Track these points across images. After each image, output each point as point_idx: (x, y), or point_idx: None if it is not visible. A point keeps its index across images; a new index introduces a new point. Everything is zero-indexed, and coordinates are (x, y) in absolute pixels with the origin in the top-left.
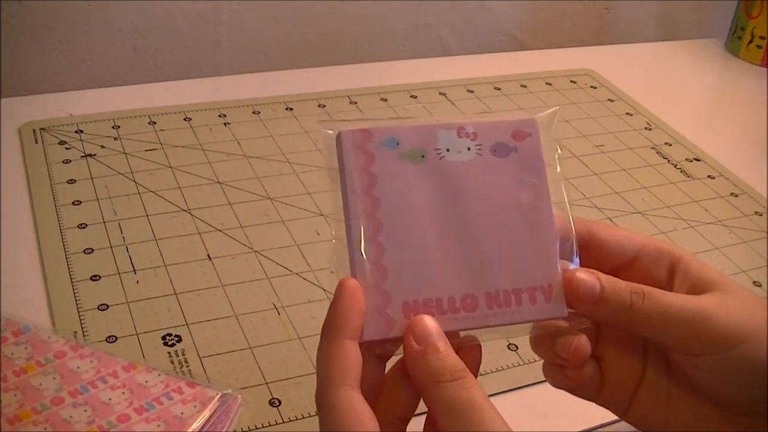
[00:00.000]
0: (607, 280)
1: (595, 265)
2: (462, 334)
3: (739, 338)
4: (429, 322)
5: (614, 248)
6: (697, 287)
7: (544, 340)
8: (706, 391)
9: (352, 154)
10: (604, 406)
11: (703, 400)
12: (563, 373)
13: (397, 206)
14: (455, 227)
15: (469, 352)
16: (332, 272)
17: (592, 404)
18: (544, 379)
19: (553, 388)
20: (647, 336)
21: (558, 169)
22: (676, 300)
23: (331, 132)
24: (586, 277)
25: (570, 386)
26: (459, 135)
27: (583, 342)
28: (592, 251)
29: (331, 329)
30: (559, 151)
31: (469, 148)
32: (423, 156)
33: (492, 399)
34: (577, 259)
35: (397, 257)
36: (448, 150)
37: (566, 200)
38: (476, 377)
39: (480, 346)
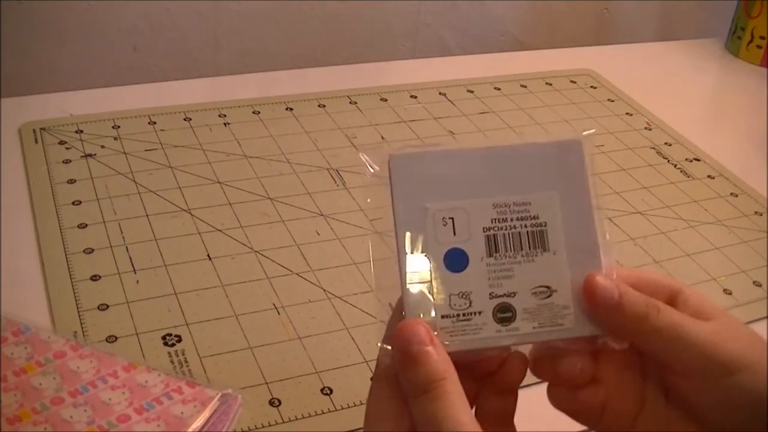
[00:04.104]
0: (625, 288)
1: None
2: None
3: (741, 365)
4: (408, 331)
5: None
6: (697, 317)
7: (545, 362)
8: (704, 418)
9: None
10: None
11: (701, 428)
12: (572, 396)
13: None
14: None
15: (515, 362)
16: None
17: None
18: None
19: None
20: (655, 352)
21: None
22: (689, 320)
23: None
24: (606, 282)
25: (575, 409)
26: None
27: (587, 362)
28: None
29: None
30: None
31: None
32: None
33: None
34: None
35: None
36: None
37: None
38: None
39: (524, 356)
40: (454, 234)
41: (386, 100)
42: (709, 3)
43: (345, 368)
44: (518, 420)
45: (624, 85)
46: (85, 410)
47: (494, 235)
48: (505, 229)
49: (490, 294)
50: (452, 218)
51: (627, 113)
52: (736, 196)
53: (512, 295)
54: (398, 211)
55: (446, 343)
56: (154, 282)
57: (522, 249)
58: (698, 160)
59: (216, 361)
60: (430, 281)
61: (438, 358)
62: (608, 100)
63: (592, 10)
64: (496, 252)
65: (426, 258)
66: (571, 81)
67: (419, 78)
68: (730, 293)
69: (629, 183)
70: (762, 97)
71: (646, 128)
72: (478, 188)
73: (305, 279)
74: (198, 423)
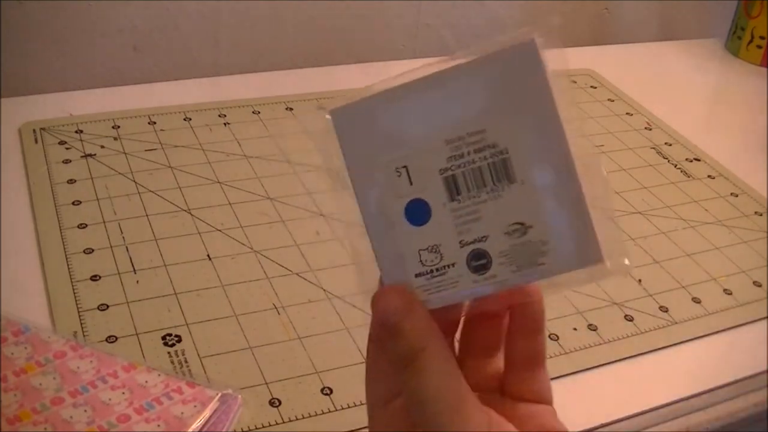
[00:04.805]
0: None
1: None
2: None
3: None
4: (383, 302)
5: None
6: None
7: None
8: None
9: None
10: None
11: None
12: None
13: None
14: None
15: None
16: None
17: (592, 404)
18: None
19: (554, 389)
20: None
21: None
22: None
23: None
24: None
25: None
26: None
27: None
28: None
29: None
30: None
31: None
32: None
33: None
34: None
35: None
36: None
37: None
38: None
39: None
40: (411, 184)
41: None
42: (709, 3)
43: (345, 368)
44: None
45: (624, 85)
46: (85, 410)
47: (453, 175)
48: (464, 166)
49: (460, 242)
50: (405, 167)
51: (627, 113)
52: (736, 196)
53: (483, 239)
54: (352, 170)
55: (424, 301)
56: (154, 282)
57: (486, 185)
58: (698, 160)
59: (216, 361)
60: (398, 240)
61: (415, 328)
62: (608, 100)
63: (592, 10)
64: (458, 194)
65: (388, 216)
66: (571, 81)
67: None
68: (730, 293)
69: (629, 183)
70: (762, 97)
71: (646, 128)
72: (427, 126)
73: (305, 279)
74: (198, 423)
